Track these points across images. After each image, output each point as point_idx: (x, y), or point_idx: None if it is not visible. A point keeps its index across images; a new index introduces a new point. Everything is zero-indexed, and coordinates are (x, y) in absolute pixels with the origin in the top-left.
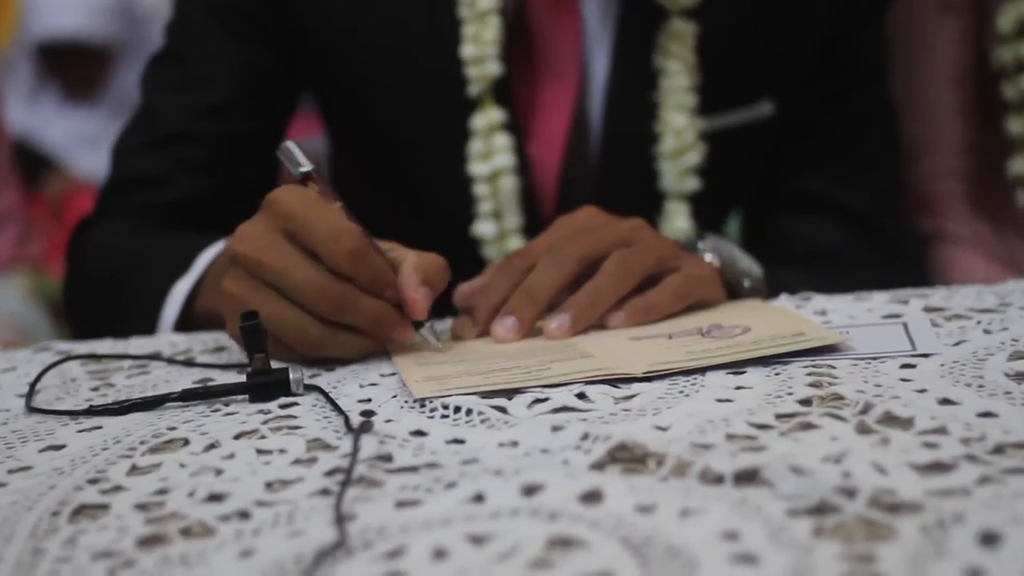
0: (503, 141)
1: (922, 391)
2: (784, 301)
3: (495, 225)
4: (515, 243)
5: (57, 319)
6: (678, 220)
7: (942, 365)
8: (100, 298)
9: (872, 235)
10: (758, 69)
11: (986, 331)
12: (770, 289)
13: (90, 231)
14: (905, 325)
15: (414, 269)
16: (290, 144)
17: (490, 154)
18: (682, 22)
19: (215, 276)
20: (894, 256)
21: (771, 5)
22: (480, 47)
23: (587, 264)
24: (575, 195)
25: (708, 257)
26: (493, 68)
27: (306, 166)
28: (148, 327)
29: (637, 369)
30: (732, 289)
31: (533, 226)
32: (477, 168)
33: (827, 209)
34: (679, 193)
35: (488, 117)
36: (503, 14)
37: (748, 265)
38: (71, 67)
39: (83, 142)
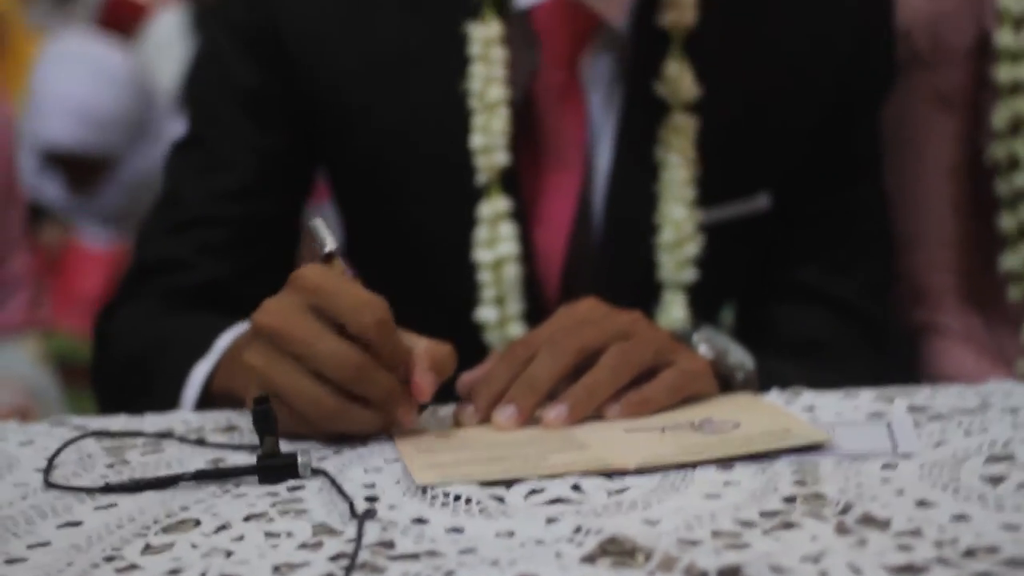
0: (508, 230)
1: (900, 492)
2: (775, 396)
3: (497, 311)
4: (516, 329)
5: (65, 379)
6: (675, 310)
7: (921, 466)
8: (126, 380)
9: (863, 326)
10: (756, 163)
11: (966, 432)
12: (762, 381)
13: (116, 314)
14: (889, 425)
15: (425, 353)
16: (317, 222)
17: (495, 241)
18: (683, 116)
19: (233, 357)
20: (883, 347)
21: (769, 100)
22: (489, 138)
23: (586, 355)
24: (578, 282)
25: (702, 350)
26: (501, 158)
27: (330, 245)
28: (170, 408)
29: (630, 463)
30: (725, 381)
31: (536, 311)
32: (482, 255)
33: (818, 299)
34: (677, 283)
35: (494, 206)
36: (511, 105)
37: (741, 358)
38: (72, 167)
39: (85, 216)
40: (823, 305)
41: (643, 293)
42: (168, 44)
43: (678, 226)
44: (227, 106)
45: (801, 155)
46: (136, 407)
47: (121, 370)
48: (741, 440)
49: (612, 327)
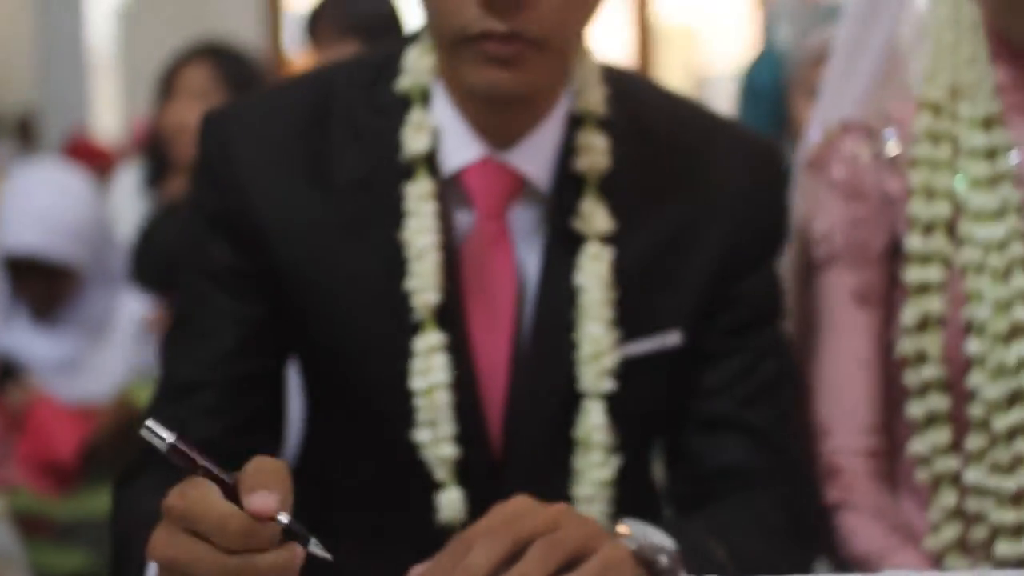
0: (439, 360)
1: None
2: None
3: (431, 432)
4: (448, 449)
5: (27, 533)
6: (594, 417)
7: None
8: (115, 552)
9: (775, 451)
10: (667, 300)
11: None
12: (686, 563)
13: (129, 482)
14: None
15: (250, 487)
16: (149, 423)
17: (428, 371)
18: (598, 246)
19: None
20: (794, 470)
21: (675, 244)
22: (421, 279)
23: (519, 546)
24: (514, 400)
25: (623, 538)
26: (432, 297)
27: (169, 438)
28: None
29: None
30: (649, 566)
31: (479, 433)
32: (416, 383)
33: (733, 428)
34: (596, 393)
35: (428, 340)
36: (444, 250)
37: (662, 541)
38: (35, 283)
39: (55, 367)
40: (738, 433)
41: (567, 403)
42: (128, 198)
43: (596, 341)
44: (207, 284)
45: (704, 297)
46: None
47: (114, 541)
48: None
49: (542, 520)
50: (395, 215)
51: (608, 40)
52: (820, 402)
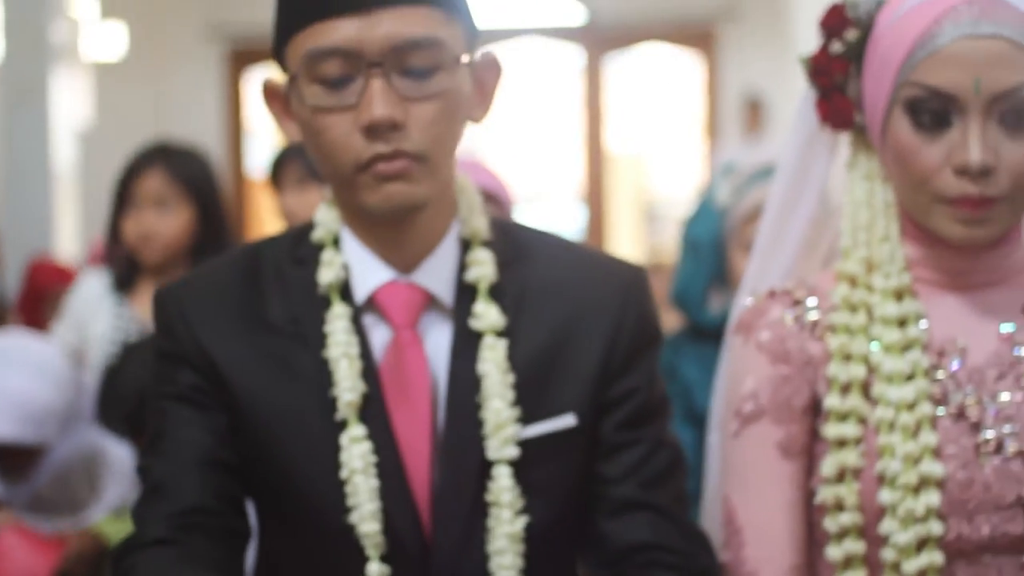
0: (361, 449)
1: None
2: None
3: (358, 514)
4: (374, 526)
5: None
6: (502, 480)
7: None
8: None
9: (677, 525)
10: (558, 388)
11: None
12: None
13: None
14: None
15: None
16: None
17: (352, 460)
18: (494, 339)
19: None
20: (693, 544)
21: (558, 341)
22: (343, 384)
23: None
24: (441, 477)
25: None
26: (352, 396)
27: None
28: None
29: None
30: None
31: (407, 510)
32: (344, 472)
33: (638, 509)
34: (502, 459)
35: (351, 433)
36: (362, 357)
37: None
38: (5, 457)
39: (23, 509)
40: (641, 513)
41: (480, 471)
42: (97, 299)
43: (498, 413)
44: (175, 404)
45: (596, 392)
46: None
47: None
48: None
49: None
50: (319, 340)
51: (561, 168)
52: (748, 543)
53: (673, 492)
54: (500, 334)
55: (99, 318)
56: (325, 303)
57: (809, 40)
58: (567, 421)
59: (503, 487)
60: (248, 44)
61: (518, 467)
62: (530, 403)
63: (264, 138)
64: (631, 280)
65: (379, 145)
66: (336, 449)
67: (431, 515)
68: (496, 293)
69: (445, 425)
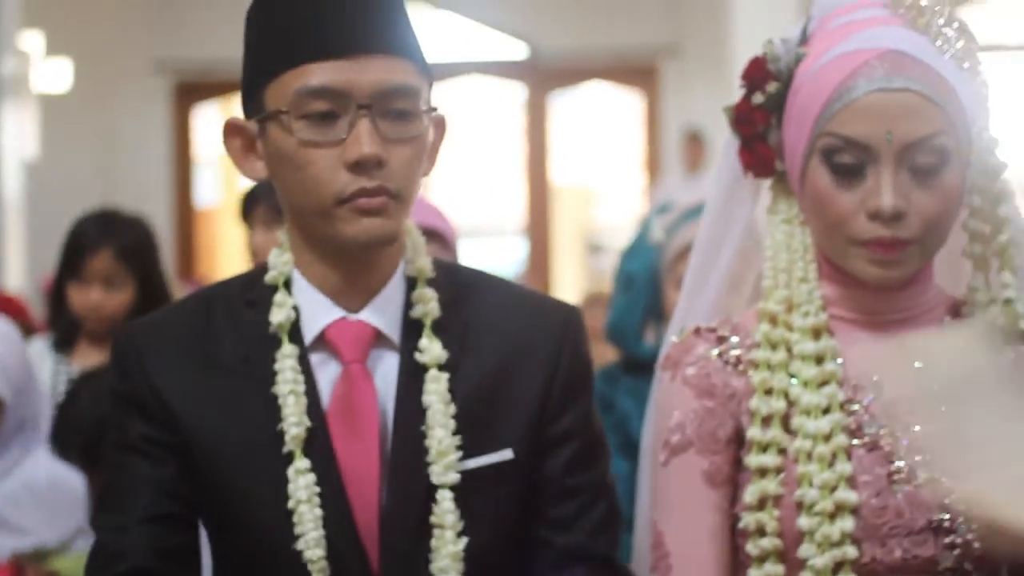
0: (306, 480)
1: None
2: None
3: (304, 542)
4: (319, 552)
5: None
6: (445, 504)
7: None
8: None
9: (618, 573)
10: (497, 424)
11: None
12: None
13: None
14: None
15: None
16: None
17: (297, 491)
18: (437, 372)
19: None
20: None
21: (496, 378)
22: (290, 419)
23: None
24: (389, 503)
25: None
26: (297, 431)
27: None
28: None
29: None
30: None
31: (351, 537)
32: (291, 503)
33: (583, 559)
34: (445, 484)
35: (296, 465)
36: (307, 393)
37: None
38: None
39: None
40: (588, 563)
41: (425, 496)
42: (38, 357)
43: (440, 441)
44: (127, 455)
45: (533, 430)
46: None
47: None
48: None
49: None
50: (269, 378)
51: (504, 201)
52: (676, 566)
53: (613, 539)
54: (442, 367)
55: (42, 376)
56: (275, 342)
57: None
58: (505, 455)
59: (446, 509)
60: (195, 77)
61: (460, 493)
62: (472, 435)
63: (212, 170)
64: (567, 321)
65: (364, 180)
66: (284, 481)
67: (379, 537)
68: (439, 329)
69: (392, 452)
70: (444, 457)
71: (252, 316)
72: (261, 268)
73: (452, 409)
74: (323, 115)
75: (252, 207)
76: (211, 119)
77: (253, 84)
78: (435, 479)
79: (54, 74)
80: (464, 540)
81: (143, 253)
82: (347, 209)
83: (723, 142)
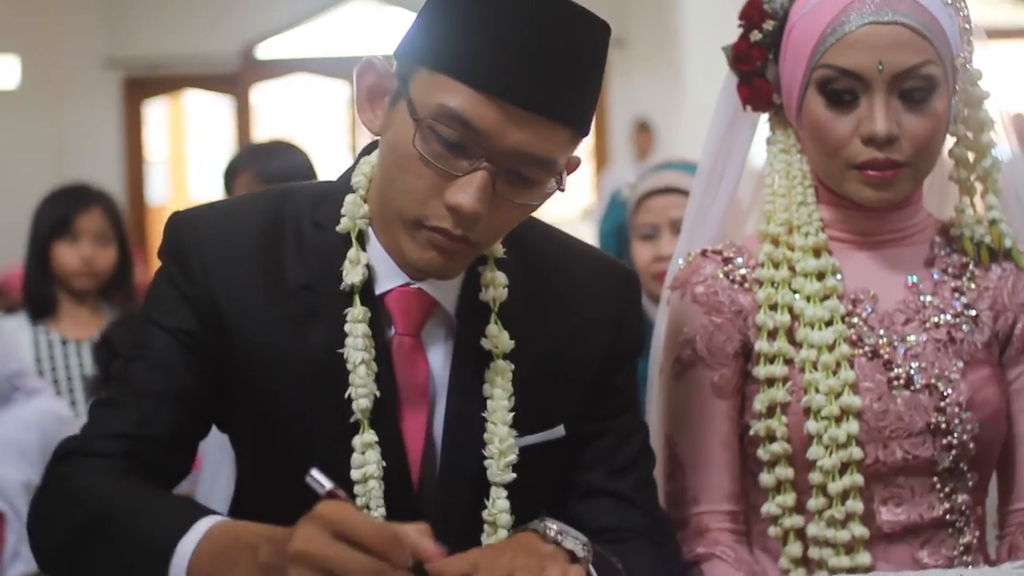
0: (373, 455)
1: None
2: None
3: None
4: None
5: None
6: (500, 503)
7: None
8: (101, 523)
9: (642, 513)
10: (554, 402)
11: None
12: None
13: (68, 467)
14: None
15: (422, 532)
16: (314, 472)
17: (364, 464)
18: (503, 363)
19: (233, 558)
20: (657, 526)
21: (560, 357)
22: (357, 389)
23: None
24: (433, 487)
25: (552, 530)
26: (365, 403)
27: (329, 486)
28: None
29: None
30: (571, 555)
31: (411, 517)
32: (354, 474)
33: (606, 496)
34: (501, 483)
35: (363, 439)
36: (375, 362)
37: (577, 535)
38: None
39: None
40: (609, 500)
41: (476, 490)
42: (14, 332)
43: (503, 440)
44: (164, 334)
45: (584, 397)
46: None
47: (93, 515)
48: None
49: (517, 560)
50: (335, 328)
51: None
52: (689, 474)
53: (640, 478)
54: (507, 357)
55: (22, 348)
56: (346, 298)
57: (697, 66)
58: (557, 432)
59: (501, 508)
60: (145, 72)
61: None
62: (525, 417)
63: (163, 167)
64: (627, 288)
65: (449, 223)
66: (343, 447)
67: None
68: (504, 313)
69: (444, 439)
70: (505, 457)
71: (317, 240)
72: (332, 185)
73: (513, 401)
74: (452, 143)
75: (234, 178)
76: (161, 115)
77: (413, 51)
78: (493, 476)
79: (2, 71)
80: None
81: (121, 217)
82: (421, 232)
83: (723, 80)
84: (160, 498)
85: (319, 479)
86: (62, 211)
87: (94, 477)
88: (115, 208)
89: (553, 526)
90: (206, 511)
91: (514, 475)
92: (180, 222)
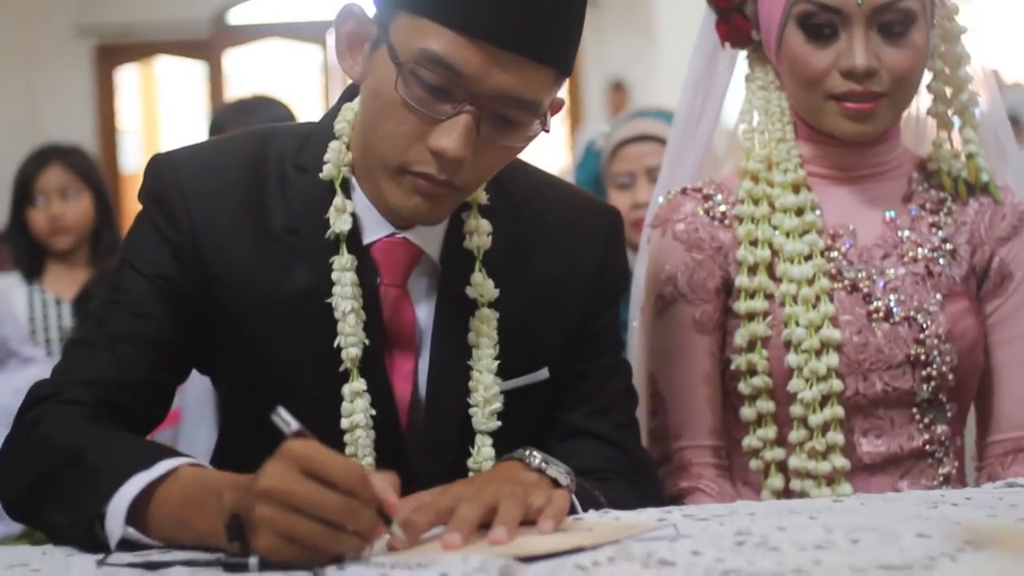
0: (362, 403)
1: (694, 552)
2: (594, 514)
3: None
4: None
5: None
6: (485, 450)
7: (693, 540)
8: (54, 468)
9: (622, 453)
10: (538, 345)
11: (719, 524)
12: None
13: (35, 414)
14: (674, 525)
15: (386, 483)
16: (280, 410)
17: (353, 412)
18: (488, 311)
19: (196, 497)
20: (638, 468)
21: (543, 301)
22: (346, 338)
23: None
24: (419, 434)
25: (536, 458)
26: (355, 352)
27: (296, 426)
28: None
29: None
30: (554, 482)
31: (399, 463)
32: (344, 423)
33: (586, 436)
34: (486, 430)
35: (353, 387)
36: (364, 309)
37: (559, 463)
38: None
39: None
40: (590, 440)
41: (462, 438)
42: (6, 292)
43: (488, 388)
44: (141, 279)
45: (568, 336)
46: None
47: (62, 456)
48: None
49: (502, 489)
50: (320, 275)
51: None
52: (671, 410)
53: (622, 419)
54: (492, 305)
55: (17, 308)
56: (332, 247)
57: (670, 25)
58: (541, 375)
59: (486, 456)
60: (117, 39)
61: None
62: (509, 360)
63: (136, 136)
64: (610, 228)
65: (434, 168)
66: (331, 394)
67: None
68: (489, 260)
69: (429, 388)
70: (490, 405)
71: (301, 184)
72: (315, 127)
73: (497, 349)
74: (434, 87)
75: (217, 132)
76: (133, 82)
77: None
78: (478, 424)
79: None
80: None
81: (90, 167)
82: (405, 178)
83: (701, 19)
84: (128, 440)
85: (286, 418)
86: (22, 177)
87: (63, 424)
88: (80, 159)
89: (537, 455)
90: (175, 454)
91: (499, 423)
92: (161, 164)
